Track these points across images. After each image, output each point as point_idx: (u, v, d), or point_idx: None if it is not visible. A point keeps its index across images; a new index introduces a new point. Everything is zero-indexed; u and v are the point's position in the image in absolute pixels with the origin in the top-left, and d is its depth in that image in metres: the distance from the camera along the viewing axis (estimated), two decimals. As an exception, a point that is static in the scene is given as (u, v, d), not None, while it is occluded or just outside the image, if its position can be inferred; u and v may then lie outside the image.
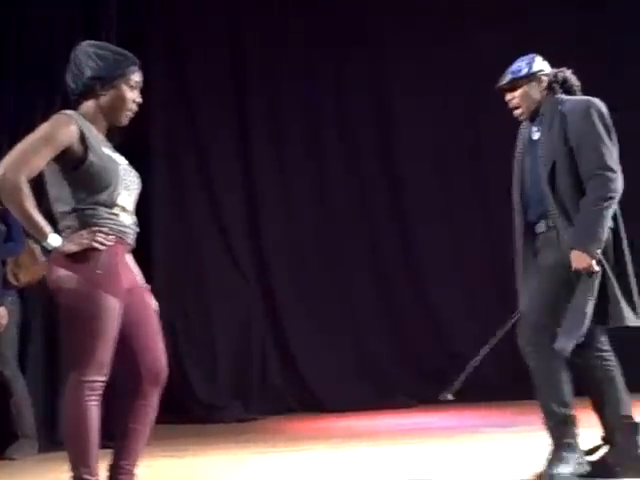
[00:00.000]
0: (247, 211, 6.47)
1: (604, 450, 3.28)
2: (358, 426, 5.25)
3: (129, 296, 2.69)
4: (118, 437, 2.73)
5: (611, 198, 3.13)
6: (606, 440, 3.29)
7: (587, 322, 3.07)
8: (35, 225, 2.58)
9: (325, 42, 6.59)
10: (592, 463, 3.26)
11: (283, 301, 6.40)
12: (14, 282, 4.77)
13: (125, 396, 2.72)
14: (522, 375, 5.86)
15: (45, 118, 2.73)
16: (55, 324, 5.15)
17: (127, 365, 2.69)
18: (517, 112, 3.34)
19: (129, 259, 2.77)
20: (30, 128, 2.72)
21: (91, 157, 2.64)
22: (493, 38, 6.31)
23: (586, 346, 3.23)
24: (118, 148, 2.83)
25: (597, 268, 3.10)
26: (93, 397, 2.59)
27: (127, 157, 2.83)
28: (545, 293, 3.21)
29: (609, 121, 3.21)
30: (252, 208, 6.47)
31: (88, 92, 2.72)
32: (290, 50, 6.56)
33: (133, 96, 2.76)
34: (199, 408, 5.96)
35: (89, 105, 2.74)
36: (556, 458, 3.13)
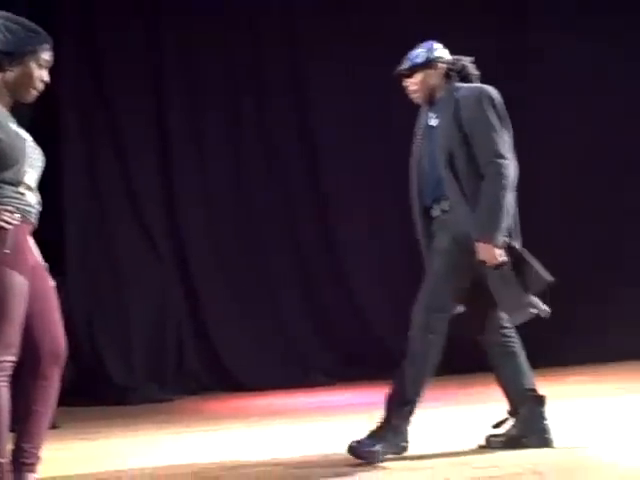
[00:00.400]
0: (163, 194, 6.39)
1: (510, 423, 3.39)
2: (276, 404, 5.29)
3: (32, 276, 2.63)
4: (19, 419, 2.66)
5: (508, 185, 3.21)
6: (511, 413, 3.41)
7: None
8: None
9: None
10: (499, 436, 3.38)
11: (200, 282, 6.36)
12: None
13: (24, 377, 2.66)
14: (457, 352, 6.07)
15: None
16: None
17: (26, 345, 2.61)
18: (414, 96, 3.41)
19: (30, 238, 2.70)
20: None
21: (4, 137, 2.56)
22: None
23: (487, 323, 3.32)
24: (28, 130, 2.76)
25: (504, 258, 3.18)
26: (2, 378, 2.54)
27: (39, 141, 2.76)
28: (438, 276, 3.29)
29: (501, 108, 3.29)
30: (168, 191, 6.40)
31: None
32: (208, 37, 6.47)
33: (41, 74, 2.67)
34: (114, 390, 5.90)
35: None
36: (379, 435, 3.23)
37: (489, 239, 3.18)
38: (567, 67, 6.58)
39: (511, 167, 3.26)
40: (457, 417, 4.33)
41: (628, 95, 6.64)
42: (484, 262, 3.20)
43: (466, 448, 3.44)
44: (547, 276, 3.32)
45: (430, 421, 4.17)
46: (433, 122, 3.36)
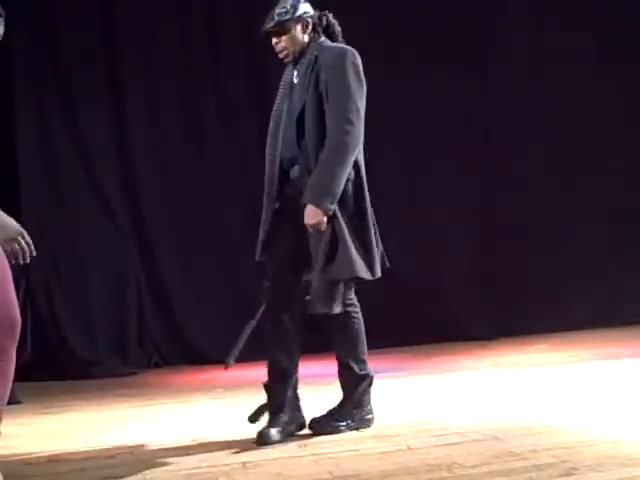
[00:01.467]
0: (120, 163, 6.31)
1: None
2: (240, 376, 5.29)
3: None
4: None
5: (347, 151, 3.09)
6: (266, 407, 3.30)
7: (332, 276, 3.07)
8: None
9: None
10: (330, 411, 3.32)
11: (160, 253, 6.32)
12: None
13: None
14: (420, 321, 6.14)
15: None
16: None
17: None
18: (283, 54, 3.28)
19: None
20: None
21: None
22: None
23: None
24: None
25: (324, 226, 3.06)
26: None
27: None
28: (289, 244, 3.21)
29: (361, 72, 3.19)
30: (125, 159, 6.32)
31: None
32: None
33: None
34: (76, 364, 5.86)
35: None
36: (342, 411, 3.26)
37: (315, 203, 3.06)
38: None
39: (357, 135, 3.12)
40: (418, 386, 4.39)
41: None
42: (309, 226, 3.08)
43: (428, 416, 3.49)
44: (360, 271, 3.11)
45: (392, 390, 4.24)
46: (295, 79, 3.27)
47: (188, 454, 3.09)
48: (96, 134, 6.21)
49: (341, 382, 3.35)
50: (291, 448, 3.08)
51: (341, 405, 3.31)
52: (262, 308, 3.28)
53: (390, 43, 6.50)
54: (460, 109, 6.59)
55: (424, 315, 6.29)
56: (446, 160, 6.49)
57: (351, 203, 3.16)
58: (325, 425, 3.26)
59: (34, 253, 2.56)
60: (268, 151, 3.29)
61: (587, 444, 2.83)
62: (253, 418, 3.27)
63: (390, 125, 6.43)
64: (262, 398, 3.30)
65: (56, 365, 5.86)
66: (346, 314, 3.24)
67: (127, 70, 6.31)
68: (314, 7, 3.34)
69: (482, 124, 6.66)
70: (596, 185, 6.64)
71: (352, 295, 3.29)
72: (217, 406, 4.24)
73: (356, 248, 3.12)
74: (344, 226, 3.11)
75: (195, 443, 3.30)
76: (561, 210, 6.59)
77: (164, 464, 2.98)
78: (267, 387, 3.30)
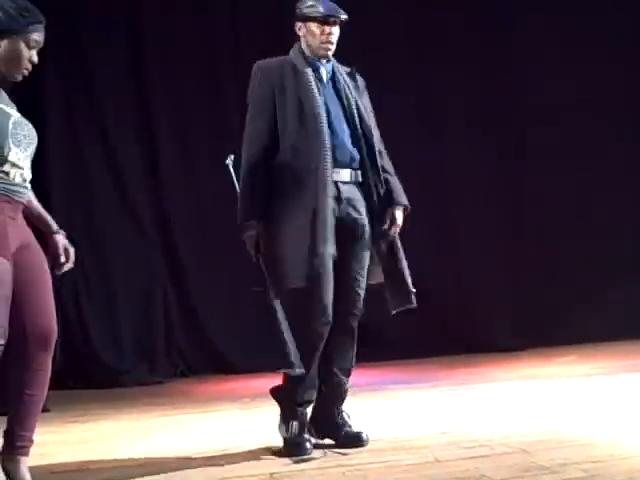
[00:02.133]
0: (146, 167, 6.34)
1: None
2: (267, 386, 5.29)
3: (18, 256, 2.59)
4: (11, 404, 2.65)
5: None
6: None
7: None
8: None
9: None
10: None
11: (187, 263, 6.34)
12: None
13: (14, 361, 2.62)
14: (424, 333, 6.12)
15: None
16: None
17: (13, 329, 2.56)
18: (331, 47, 3.25)
19: (19, 217, 2.65)
20: None
21: None
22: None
23: None
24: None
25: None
26: None
27: (19, 110, 2.72)
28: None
29: None
30: (152, 165, 6.36)
31: None
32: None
33: (30, 55, 2.63)
34: (105, 373, 5.89)
35: None
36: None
37: (405, 205, 3.34)
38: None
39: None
40: (446, 398, 4.36)
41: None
42: None
43: (456, 428, 3.46)
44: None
45: (420, 402, 4.21)
46: (325, 76, 3.26)
47: (216, 464, 3.09)
48: (125, 144, 6.26)
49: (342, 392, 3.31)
50: (317, 459, 3.07)
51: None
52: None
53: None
54: (490, 123, 6.57)
55: (453, 326, 6.26)
56: (475, 175, 6.47)
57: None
58: None
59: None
60: (312, 158, 3.13)
61: (618, 458, 2.80)
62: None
63: (420, 143, 6.43)
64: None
65: (84, 374, 5.89)
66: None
67: (154, 78, 6.36)
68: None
69: (514, 142, 6.63)
70: (626, 197, 6.57)
71: None
72: (244, 416, 4.24)
73: None
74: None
75: (223, 453, 3.30)
76: (592, 221, 6.53)
77: (193, 474, 2.98)
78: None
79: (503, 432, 3.31)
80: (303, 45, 3.28)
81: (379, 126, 3.35)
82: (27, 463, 2.68)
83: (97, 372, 5.89)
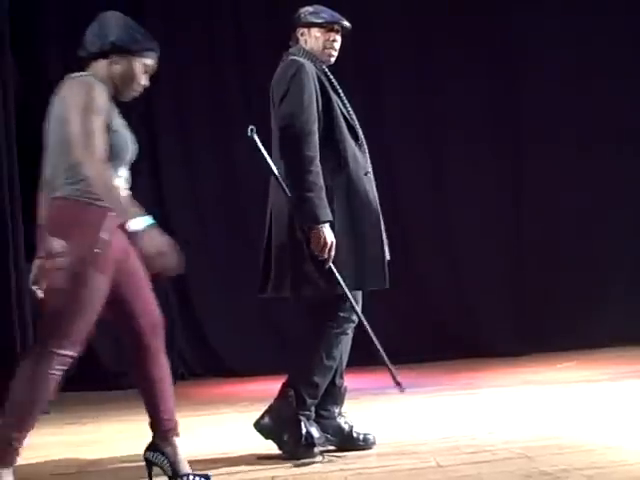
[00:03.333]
0: (149, 166, 6.34)
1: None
2: (266, 389, 5.27)
3: (123, 264, 2.70)
4: (145, 395, 2.78)
5: None
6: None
7: None
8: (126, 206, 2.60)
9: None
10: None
11: (188, 265, 6.30)
12: None
13: (134, 357, 2.78)
14: (424, 337, 6.11)
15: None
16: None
17: (126, 324, 2.74)
18: (334, 54, 3.29)
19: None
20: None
21: (114, 126, 2.64)
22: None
23: None
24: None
25: None
26: (59, 371, 2.60)
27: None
28: None
29: None
30: (154, 166, 6.35)
31: (102, 56, 2.69)
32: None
33: (143, 78, 2.73)
34: (104, 375, 5.89)
35: (101, 68, 2.70)
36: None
37: None
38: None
39: None
40: (447, 402, 4.35)
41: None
42: None
43: (457, 433, 3.45)
44: None
45: (421, 407, 4.20)
46: (333, 81, 3.29)
47: (217, 468, 3.08)
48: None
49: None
50: (319, 463, 3.05)
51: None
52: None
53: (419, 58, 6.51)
54: (492, 123, 6.56)
55: (454, 331, 6.25)
56: (477, 175, 6.45)
57: None
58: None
59: (181, 269, 2.67)
60: (362, 163, 3.22)
61: (620, 464, 2.78)
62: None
63: (421, 139, 6.42)
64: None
65: (83, 376, 5.87)
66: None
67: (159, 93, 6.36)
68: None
69: (514, 139, 6.62)
70: (628, 201, 6.55)
71: None
72: (243, 419, 4.20)
73: None
74: None
75: (223, 456, 3.29)
76: (593, 226, 6.51)
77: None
78: None
79: (505, 437, 3.30)
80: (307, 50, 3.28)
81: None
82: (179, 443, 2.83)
83: (96, 374, 5.87)
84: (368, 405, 4.33)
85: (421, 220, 6.36)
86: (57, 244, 2.59)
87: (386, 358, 3.13)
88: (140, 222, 2.56)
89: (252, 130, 3.15)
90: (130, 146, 2.72)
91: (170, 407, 2.81)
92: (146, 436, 3.80)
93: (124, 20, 2.74)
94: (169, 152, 6.39)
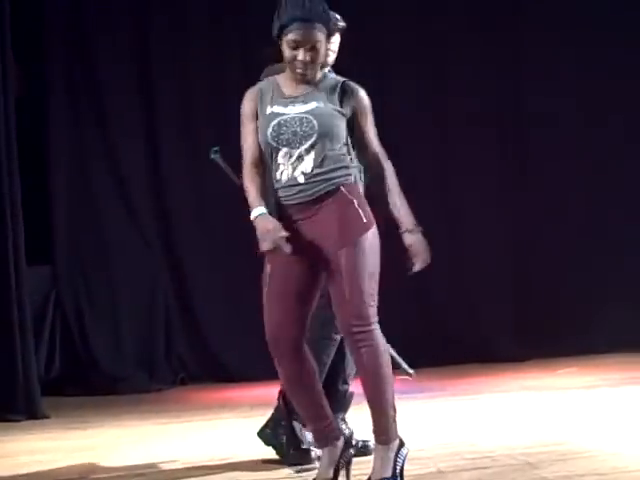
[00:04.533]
0: (150, 178, 6.32)
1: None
2: (267, 395, 5.26)
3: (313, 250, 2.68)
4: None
5: None
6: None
7: None
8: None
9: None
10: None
11: (188, 270, 6.32)
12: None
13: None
14: (424, 343, 6.10)
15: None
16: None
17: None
18: (333, 57, 3.24)
19: (312, 214, 2.67)
20: None
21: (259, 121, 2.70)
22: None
23: None
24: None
25: None
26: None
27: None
28: None
29: None
30: (156, 174, 6.33)
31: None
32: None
33: (294, 54, 2.64)
34: (103, 380, 5.87)
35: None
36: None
37: None
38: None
39: None
40: (448, 408, 4.34)
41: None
42: None
43: (458, 439, 3.44)
44: None
45: (422, 412, 4.19)
46: None
47: (217, 473, 3.08)
48: (127, 147, 6.26)
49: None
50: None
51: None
52: None
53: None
54: (496, 125, 6.56)
55: (456, 337, 6.24)
56: (480, 176, 6.44)
57: None
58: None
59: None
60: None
61: (622, 471, 2.78)
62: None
63: (424, 140, 6.42)
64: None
65: (84, 380, 5.87)
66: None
67: (161, 90, 6.35)
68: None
69: (518, 140, 6.61)
70: (631, 202, 6.53)
71: None
72: (244, 425, 4.20)
73: None
74: None
75: (222, 462, 3.28)
76: (596, 229, 6.50)
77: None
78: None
79: (506, 443, 3.29)
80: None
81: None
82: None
83: (97, 379, 5.87)
84: (364, 411, 4.31)
85: (422, 220, 6.36)
86: None
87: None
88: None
89: (216, 151, 3.16)
90: (263, 133, 2.72)
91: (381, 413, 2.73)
92: (146, 442, 3.81)
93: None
94: (170, 151, 6.37)
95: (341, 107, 2.68)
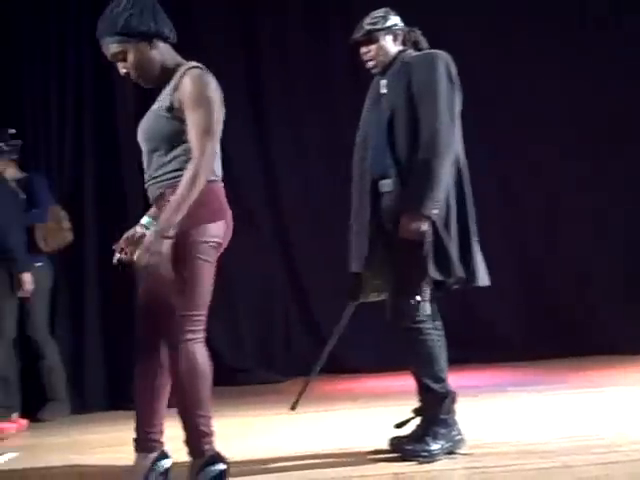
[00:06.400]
0: (265, 179, 6.46)
1: (416, 422, 3.19)
2: (384, 386, 5.28)
3: None
4: None
5: (439, 153, 3.00)
6: (417, 411, 3.20)
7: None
8: None
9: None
10: (403, 437, 3.16)
11: (305, 266, 6.40)
12: (44, 248, 4.82)
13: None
14: (544, 335, 5.98)
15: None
16: (81, 288, 5.23)
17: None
18: (371, 64, 3.25)
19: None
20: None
21: None
22: None
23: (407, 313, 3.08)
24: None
25: (426, 227, 2.97)
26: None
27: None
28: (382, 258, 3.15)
29: (455, 74, 3.11)
30: (270, 176, 6.46)
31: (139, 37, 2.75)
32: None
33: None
34: (224, 371, 5.99)
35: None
36: (428, 434, 3.07)
37: (415, 210, 2.97)
38: None
39: (446, 136, 3.02)
40: (574, 401, 4.22)
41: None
42: (405, 236, 2.99)
43: (583, 432, 3.34)
44: (459, 271, 3.05)
45: (547, 405, 4.11)
46: (384, 90, 3.21)
47: (337, 464, 3.09)
48: (240, 149, 6.38)
49: (422, 403, 3.18)
50: (442, 461, 3.03)
51: (426, 426, 3.11)
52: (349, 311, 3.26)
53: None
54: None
55: (579, 328, 6.09)
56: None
57: (451, 210, 3.08)
58: (415, 447, 3.05)
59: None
60: (357, 164, 3.26)
61: None
62: (401, 425, 3.22)
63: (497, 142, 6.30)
64: (407, 408, 3.26)
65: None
66: (417, 330, 3.10)
67: (269, 85, 6.46)
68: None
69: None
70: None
71: (427, 310, 3.11)
72: (362, 416, 4.24)
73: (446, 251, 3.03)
74: (442, 231, 3.03)
75: (343, 452, 3.30)
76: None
77: (314, 474, 2.99)
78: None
79: (635, 438, 3.17)
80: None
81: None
82: None
83: (218, 370, 5.99)
84: (486, 403, 4.27)
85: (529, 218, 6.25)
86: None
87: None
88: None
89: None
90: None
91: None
92: (266, 433, 3.87)
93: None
94: (282, 150, 6.45)
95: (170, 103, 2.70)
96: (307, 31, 6.55)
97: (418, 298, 3.04)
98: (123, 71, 2.75)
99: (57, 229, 4.84)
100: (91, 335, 5.20)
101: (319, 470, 3.03)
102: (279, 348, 6.28)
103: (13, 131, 4.72)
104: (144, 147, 2.80)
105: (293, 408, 3.36)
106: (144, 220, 2.81)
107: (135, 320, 2.85)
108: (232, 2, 6.50)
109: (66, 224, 4.88)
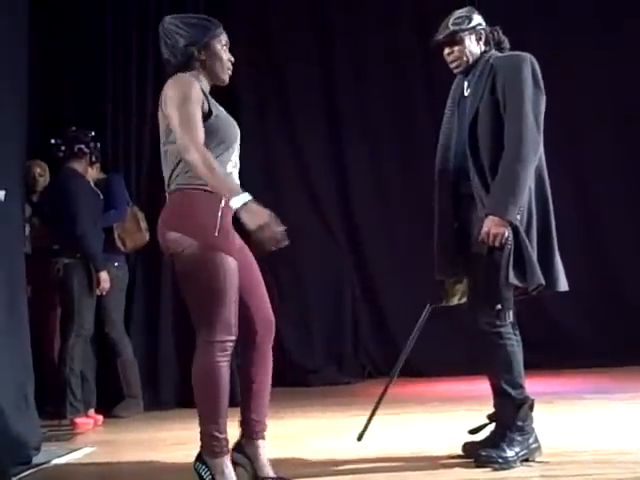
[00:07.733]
0: (336, 178, 6.48)
1: (490, 428, 3.12)
2: (455, 390, 5.23)
3: (238, 252, 2.76)
4: (243, 393, 2.83)
5: (523, 159, 2.94)
6: (491, 417, 3.13)
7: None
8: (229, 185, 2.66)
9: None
10: (477, 443, 3.10)
11: (375, 268, 6.40)
12: (122, 248, 4.92)
13: (243, 352, 2.82)
14: (621, 342, 5.83)
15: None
16: (157, 288, 5.33)
17: (240, 321, 2.73)
18: (455, 65, 3.18)
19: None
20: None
21: (214, 111, 2.74)
22: None
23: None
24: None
25: (508, 232, 2.91)
26: (223, 357, 2.67)
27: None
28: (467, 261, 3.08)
29: (540, 77, 3.04)
30: (342, 176, 6.47)
31: (188, 60, 2.78)
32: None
33: (227, 55, 2.84)
34: (293, 372, 6.05)
35: (193, 73, 2.79)
36: (504, 440, 3.00)
37: (499, 214, 2.92)
38: None
39: (531, 141, 2.97)
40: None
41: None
42: (487, 238, 2.93)
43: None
44: (539, 278, 2.97)
45: (621, 413, 4.00)
46: (466, 91, 3.16)
47: (411, 468, 3.07)
48: (314, 153, 6.41)
49: (498, 409, 3.12)
50: (518, 468, 2.97)
51: (502, 433, 3.05)
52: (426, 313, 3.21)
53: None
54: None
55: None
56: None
57: (533, 213, 3.03)
58: (490, 453, 2.99)
59: (286, 241, 2.63)
60: (439, 166, 3.21)
61: None
62: (475, 431, 3.18)
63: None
64: (479, 413, 3.22)
65: (275, 372, 6.06)
66: (496, 334, 3.04)
67: (342, 90, 6.49)
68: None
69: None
70: None
71: (510, 317, 3.04)
72: (434, 420, 4.20)
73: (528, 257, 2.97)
74: (523, 235, 2.98)
75: (413, 456, 3.28)
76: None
77: (380, 477, 2.97)
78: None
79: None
80: None
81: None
82: (265, 445, 2.85)
83: (287, 371, 6.05)
84: (563, 410, 4.18)
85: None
86: (174, 237, 2.66)
87: None
88: (239, 200, 2.57)
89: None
90: (234, 130, 2.81)
91: (261, 409, 2.82)
92: (334, 434, 3.87)
93: (179, 20, 2.80)
94: (355, 150, 6.46)
95: None
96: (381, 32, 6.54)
97: (499, 306, 2.99)
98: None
99: (135, 229, 4.93)
100: (165, 334, 5.29)
101: (386, 474, 3.00)
102: (348, 350, 6.28)
103: (93, 133, 4.82)
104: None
105: (360, 439, 3.35)
106: (243, 198, 2.64)
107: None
108: (310, 21, 6.53)
109: (144, 225, 4.97)
